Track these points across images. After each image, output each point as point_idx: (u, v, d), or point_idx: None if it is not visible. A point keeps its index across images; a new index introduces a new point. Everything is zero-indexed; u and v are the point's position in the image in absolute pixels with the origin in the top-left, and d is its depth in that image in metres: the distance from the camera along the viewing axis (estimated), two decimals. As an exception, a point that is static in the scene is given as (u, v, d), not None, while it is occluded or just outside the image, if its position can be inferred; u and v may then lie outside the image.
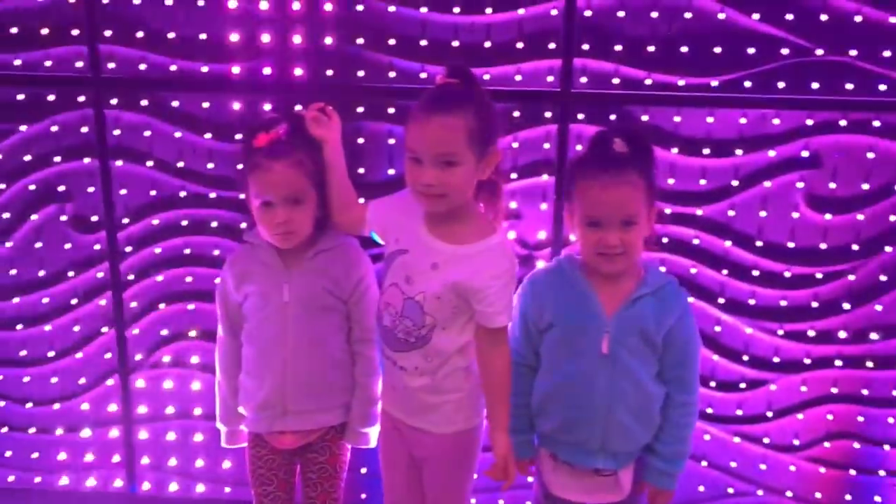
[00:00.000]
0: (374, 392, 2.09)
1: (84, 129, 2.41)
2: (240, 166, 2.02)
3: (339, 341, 2.08)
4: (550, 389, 1.94)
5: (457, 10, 2.27)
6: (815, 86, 2.25)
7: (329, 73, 2.31)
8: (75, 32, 2.34)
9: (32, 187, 2.47)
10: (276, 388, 2.03)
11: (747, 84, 2.26)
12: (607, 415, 1.88)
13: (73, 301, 2.55)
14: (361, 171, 2.35)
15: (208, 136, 2.39)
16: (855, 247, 2.35)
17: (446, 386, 1.90)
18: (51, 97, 2.40)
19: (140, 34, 2.33)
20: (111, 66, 2.35)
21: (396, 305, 1.88)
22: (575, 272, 1.91)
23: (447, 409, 1.92)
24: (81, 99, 2.39)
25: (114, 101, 2.38)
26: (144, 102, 2.38)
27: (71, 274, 2.53)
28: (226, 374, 2.14)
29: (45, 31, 2.35)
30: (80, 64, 2.36)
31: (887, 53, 2.21)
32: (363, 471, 2.55)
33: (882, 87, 2.23)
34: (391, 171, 2.37)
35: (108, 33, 2.33)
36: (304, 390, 2.04)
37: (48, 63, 2.37)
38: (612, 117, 2.30)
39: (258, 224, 2.00)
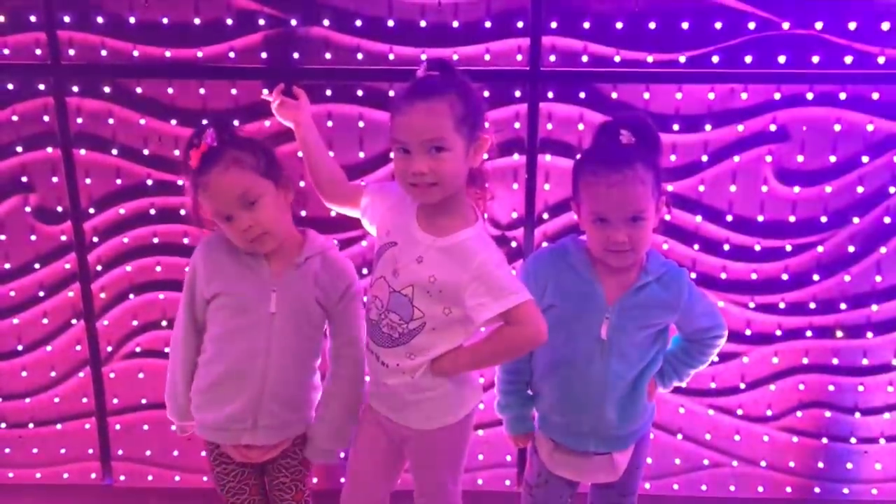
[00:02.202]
0: (352, 403, 2.03)
1: (45, 118, 2.36)
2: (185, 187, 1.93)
3: (317, 356, 2.02)
4: (546, 370, 1.95)
5: (423, -11, 2.25)
6: (782, 59, 2.26)
7: (295, 55, 2.28)
8: (33, 19, 2.28)
9: (-6, 179, 2.42)
10: (250, 402, 1.91)
11: (715, 59, 2.26)
12: (598, 400, 1.88)
13: (41, 293, 2.51)
14: (331, 154, 2.32)
15: (174, 122, 2.35)
16: (823, 219, 2.38)
17: (423, 384, 1.85)
18: (10, 86, 2.34)
19: (100, 19, 2.28)
20: (71, 52, 2.30)
21: (383, 299, 1.84)
22: (579, 255, 1.90)
23: (427, 406, 1.88)
24: (42, 87, 2.34)
25: (75, 89, 2.33)
26: (107, 89, 2.33)
27: (37, 266, 2.49)
28: (183, 370, 1.99)
29: (1, 19, 2.29)
30: (39, 51, 2.31)
31: (853, 25, 2.22)
32: (341, 455, 2.54)
33: (848, 59, 2.25)
34: (361, 154, 2.35)
35: (66, 19, 2.28)
36: (279, 406, 1.94)
37: (6, 51, 2.31)
38: (582, 95, 2.29)
39: (232, 240, 1.88)
